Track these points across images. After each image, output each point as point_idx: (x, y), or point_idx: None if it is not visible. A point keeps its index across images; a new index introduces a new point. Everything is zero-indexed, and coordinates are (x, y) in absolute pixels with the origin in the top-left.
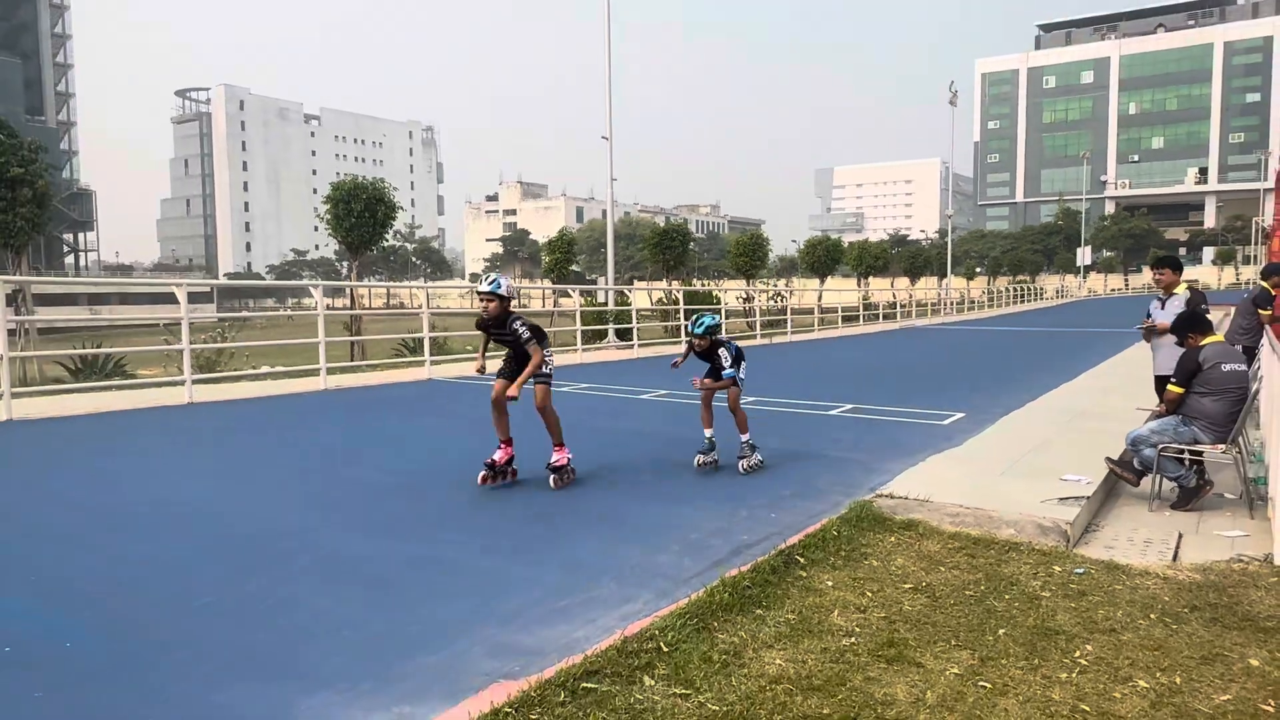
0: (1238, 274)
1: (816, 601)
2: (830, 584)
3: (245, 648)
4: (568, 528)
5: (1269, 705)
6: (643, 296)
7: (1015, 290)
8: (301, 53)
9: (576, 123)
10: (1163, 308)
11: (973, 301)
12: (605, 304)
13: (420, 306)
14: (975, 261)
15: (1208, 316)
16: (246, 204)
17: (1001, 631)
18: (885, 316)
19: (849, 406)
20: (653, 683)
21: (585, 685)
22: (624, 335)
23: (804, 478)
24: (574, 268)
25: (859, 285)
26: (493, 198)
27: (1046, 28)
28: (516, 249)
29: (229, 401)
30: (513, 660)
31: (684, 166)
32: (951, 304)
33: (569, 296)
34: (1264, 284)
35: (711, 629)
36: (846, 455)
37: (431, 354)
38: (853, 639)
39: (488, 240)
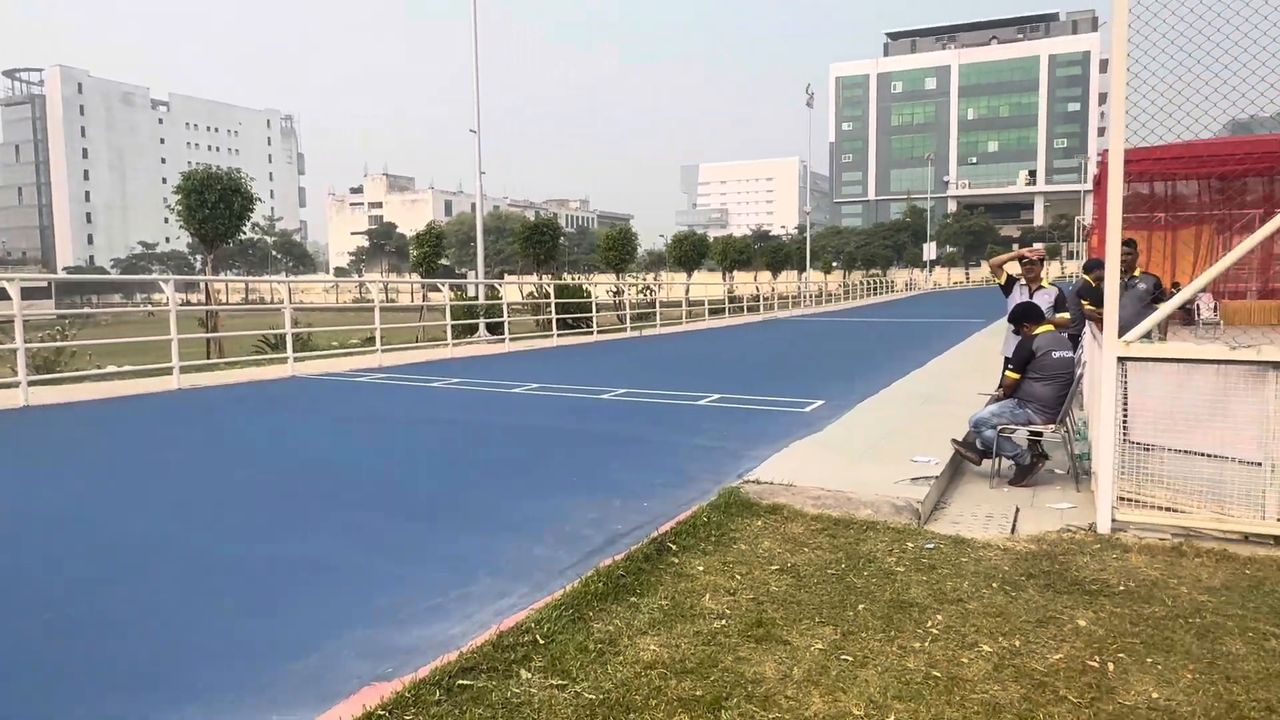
0: (1063, 268)
1: (688, 586)
2: (701, 569)
3: (104, 662)
4: (443, 524)
5: (1094, 661)
6: (514, 290)
7: (868, 283)
8: (152, 38)
9: (445, 116)
10: (1029, 297)
11: (830, 294)
12: (476, 298)
13: (282, 301)
14: (832, 256)
15: (1064, 307)
16: (87, 193)
17: (861, 607)
18: (749, 309)
19: (717, 396)
20: (530, 675)
21: (461, 683)
22: (495, 329)
23: (675, 466)
24: (443, 262)
25: (724, 279)
26: (357, 190)
27: (894, 35)
28: (383, 242)
29: (71, 404)
30: (386, 661)
31: (554, 162)
32: (811, 296)
33: (439, 291)
34: (1086, 277)
35: (587, 619)
36: (715, 444)
37: (295, 350)
38: (723, 621)
39: (353, 233)
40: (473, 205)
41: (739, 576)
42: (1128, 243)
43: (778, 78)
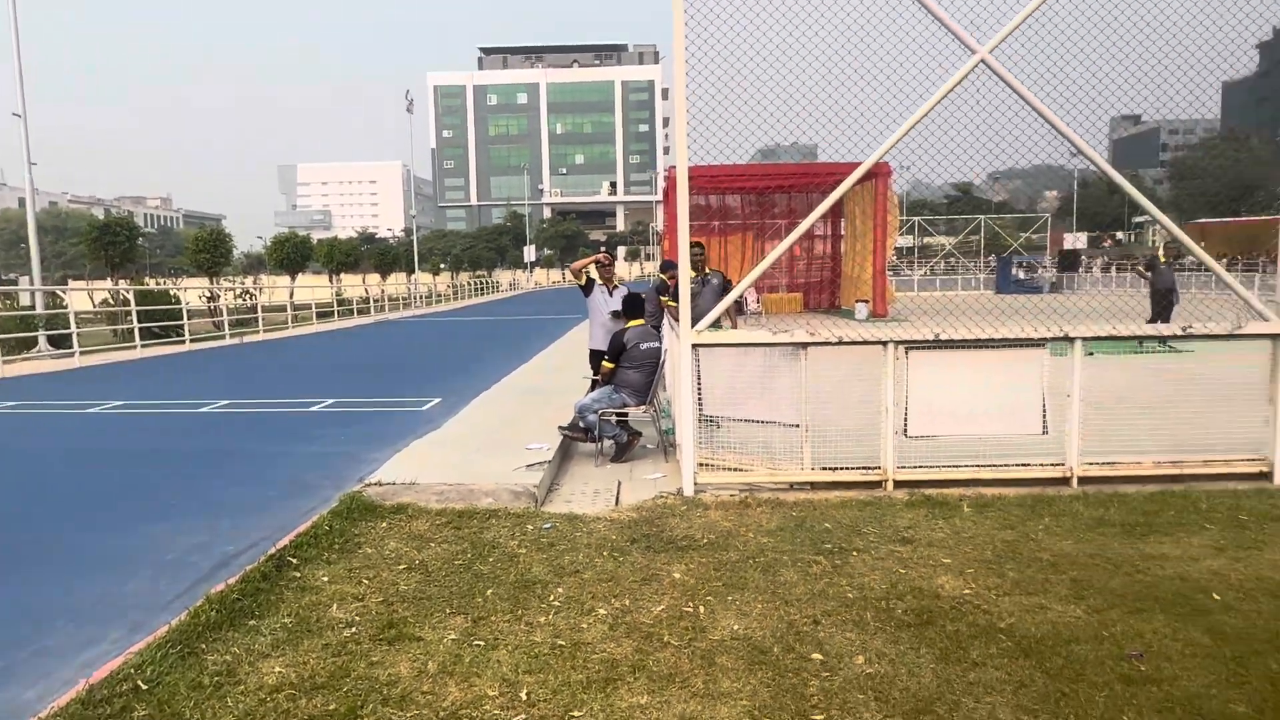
0: (643, 268)
1: (313, 600)
2: (326, 579)
3: None
4: (4, 573)
5: (689, 607)
6: (83, 298)
7: (476, 284)
8: None
9: None
10: (610, 295)
11: (440, 295)
12: (32, 307)
13: None
14: (439, 258)
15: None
16: None
17: (489, 592)
18: (359, 311)
19: (330, 401)
20: None
21: None
22: (61, 343)
23: (290, 477)
24: None
25: (331, 281)
26: None
27: (487, 51)
28: None
29: None
30: None
31: (127, 155)
32: (421, 297)
33: None
34: (662, 276)
35: (199, 652)
36: (333, 449)
37: None
38: (353, 629)
39: None
40: (20, 200)
41: (366, 581)
42: (696, 244)
43: (377, 81)
